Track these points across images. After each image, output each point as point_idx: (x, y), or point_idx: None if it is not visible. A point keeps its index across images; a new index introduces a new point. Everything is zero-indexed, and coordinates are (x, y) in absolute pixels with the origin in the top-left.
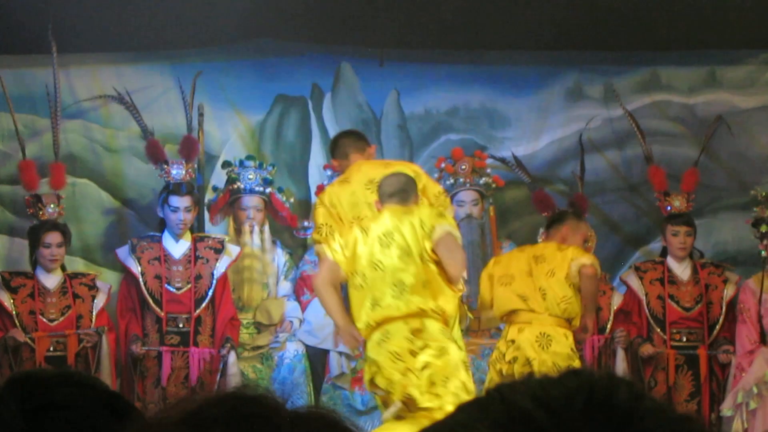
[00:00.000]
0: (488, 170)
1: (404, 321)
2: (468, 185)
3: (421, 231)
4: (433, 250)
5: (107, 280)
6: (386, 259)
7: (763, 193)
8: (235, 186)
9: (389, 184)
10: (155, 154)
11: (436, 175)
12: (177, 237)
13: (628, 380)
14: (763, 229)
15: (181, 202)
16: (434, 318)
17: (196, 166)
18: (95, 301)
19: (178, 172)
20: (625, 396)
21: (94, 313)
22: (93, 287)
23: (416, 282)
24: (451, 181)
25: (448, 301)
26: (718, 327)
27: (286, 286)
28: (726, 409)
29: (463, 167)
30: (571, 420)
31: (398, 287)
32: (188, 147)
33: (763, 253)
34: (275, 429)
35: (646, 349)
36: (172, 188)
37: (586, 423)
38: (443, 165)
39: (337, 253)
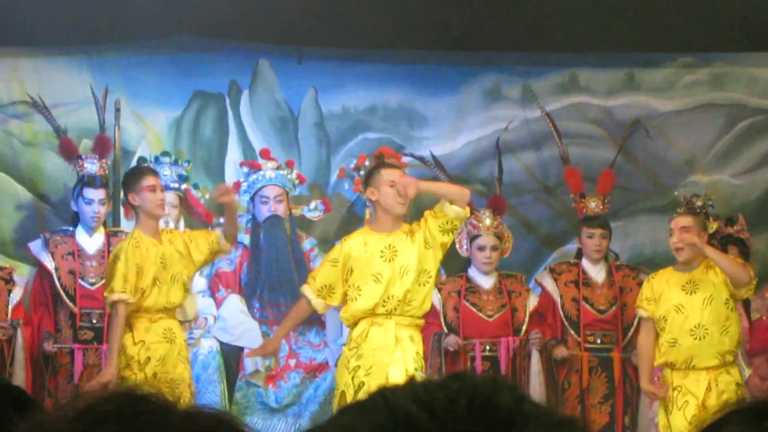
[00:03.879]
0: (406, 170)
1: None
2: None
3: None
4: None
5: (21, 274)
6: None
7: (687, 195)
8: None
9: None
10: (68, 152)
11: (360, 174)
12: (91, 231)
13: (510, 383)
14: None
15: (95, 194)
16: None
17: (109, 162)
18: (11, 295)
19: (91, 166)
20: (507, 399)
21: (10, 307)
22: (9, 281)
23: None
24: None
25: None
26: (632, 330)
27: (200, 283)
28: None
29: None
30: (453, 422)
31: None
32: (101, 145)
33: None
34: (166, 427)
35: (560, 351)
36: (87, 180)
37: (468, 425)
38: (367, 163)
39: None
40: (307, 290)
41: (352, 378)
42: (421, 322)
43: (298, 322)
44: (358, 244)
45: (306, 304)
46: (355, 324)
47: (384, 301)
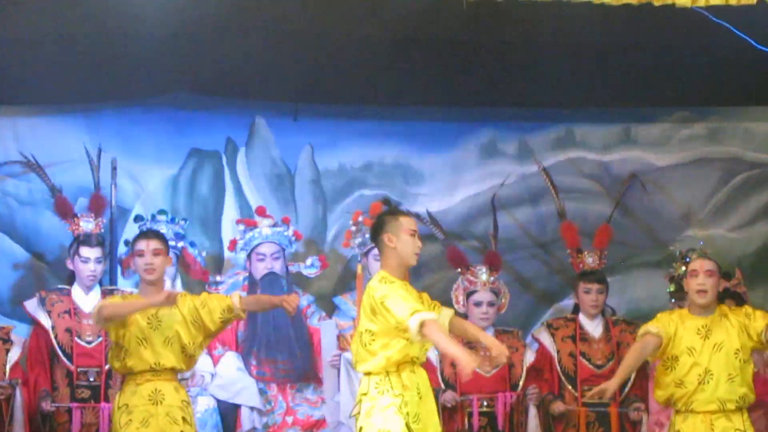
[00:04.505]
0: None
1: None
2: None
3: None
4: None
5: (18, 333)
6: None
7: (683, 250)
8: None
9: None
10: (64, 210)
11: (353, 228)
12: (87, 289)
13: None
14: (671, 288)
15: (91, 252)
16: None
17: (105, 220)
18: (9, 354)
19: (87, 224)
20: None
21: (8, 367)
22: (7, 340)
23: None
24: (369, 235)
25: None
26: (629, 384)
27: None
28: None
29: None
30: None
31: None
32: (96, 204)
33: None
34: None
35: (558, 407)
36: (83, 239)
37: None
38: (361, 219)
39: None
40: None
41: None
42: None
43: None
44: None
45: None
46: None
47: None
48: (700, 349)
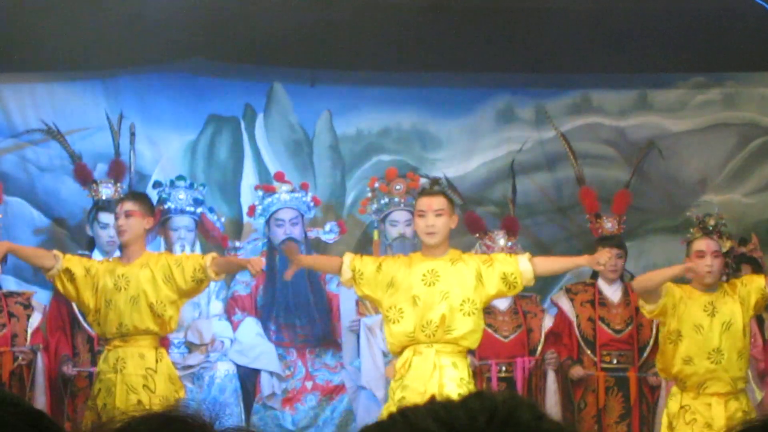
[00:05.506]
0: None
1: None
2: (402, 205)
3: None
4: None
5: (39, 299)
6: None
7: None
8: (166, 206)
9: None
10: (83, 177)
11: (369, 194)
12: (107, 254)
13: (529, 401)
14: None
15: (110, 218)
16: None
17: (124, 186)
18: (30, 320)
19: (106, 190)
20: (526, 416)
21: (29, 332)
22: (28, 306)
23: None
24: (385, 200)
25: None
26: (648, 349)
27: (217, 306)
28: None
29: (398, 187)
30: None
31: None
32: (116, 170)
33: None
34: None
35: (576, 371)
36: (101, 205)
37: None
38: (377, 185)
39: None
40: (348, 258)
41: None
42: (466, 348)
43: (320, 269)
44: (404, 264)
45: (338, 265)
46: (400, 353)
47: (423, 326)
48: (708, 327)
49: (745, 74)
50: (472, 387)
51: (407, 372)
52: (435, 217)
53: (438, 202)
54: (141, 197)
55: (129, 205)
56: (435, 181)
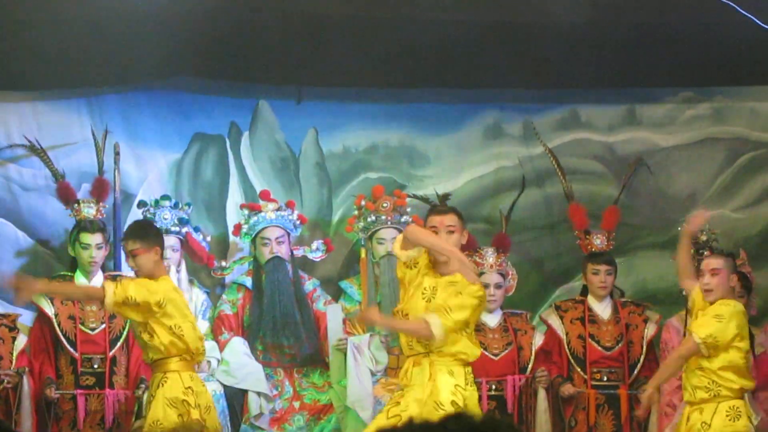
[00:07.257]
0: (408, 208)
1: None
2: (389, 223)
3: None
4: None
5: (24, 320)
6: None
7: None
8: None
9: None
10: (66, 197)
11: (356, 213)
12: (89, 275)
13: (508, 422)
14: None
15: (92, 239)
16: None
17: (107, 205)
18: (15, 342)
19: (88, 210)
20: None
21: (14, 355)
22: (13, 328)
23: None
24: (372, 218)
25: None
26: (638, 366)
27: (203, 326)
28: None
29: (385, 205)
30: None
31: None
32: (99, 189)
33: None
34: None
35: (567, 389)
36: (82, 225)
37: None
38: (363, 202)
39: None
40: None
41: None
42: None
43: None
44: (422, 273)
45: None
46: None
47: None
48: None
49: (734, 88)
50: (468, 395)
51: (409, 382)
52: (447, 234)
53: (450, 219)
54: (140, 232)
55: (131, 245)
56: (445, 197)
